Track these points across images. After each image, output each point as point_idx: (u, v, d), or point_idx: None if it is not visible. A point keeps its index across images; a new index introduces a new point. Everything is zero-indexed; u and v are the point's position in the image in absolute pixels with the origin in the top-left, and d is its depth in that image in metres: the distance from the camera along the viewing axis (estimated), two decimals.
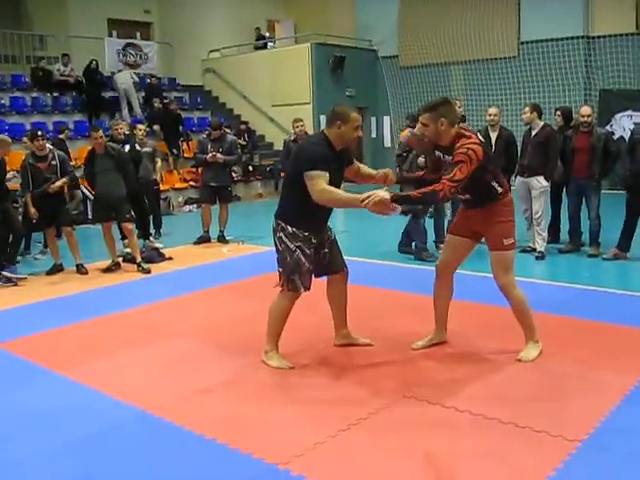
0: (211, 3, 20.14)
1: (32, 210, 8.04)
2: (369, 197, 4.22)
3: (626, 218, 7.84)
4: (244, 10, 20.38)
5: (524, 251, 8.36)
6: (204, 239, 10.05)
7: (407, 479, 3.24)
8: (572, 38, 15.93)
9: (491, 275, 4.71)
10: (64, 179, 8.12)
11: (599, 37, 15.77)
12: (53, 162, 8.09)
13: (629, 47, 15.25)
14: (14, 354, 5.26)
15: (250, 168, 16.68)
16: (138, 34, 19.28)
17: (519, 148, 8.50)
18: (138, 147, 9.67)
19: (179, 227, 12.08)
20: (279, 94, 18.02)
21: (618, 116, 15.15)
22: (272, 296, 4.74)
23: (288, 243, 4.56)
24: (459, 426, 3.74)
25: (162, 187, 12.23)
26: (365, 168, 4.99)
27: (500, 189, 4.52)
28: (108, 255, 8.37)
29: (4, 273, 7.70)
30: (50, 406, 4.22)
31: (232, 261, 8.84)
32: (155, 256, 8.81)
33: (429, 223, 8.72)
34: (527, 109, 8.28)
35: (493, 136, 8.43)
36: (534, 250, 8.29)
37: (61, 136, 11.98)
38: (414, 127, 13.21)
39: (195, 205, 14.28)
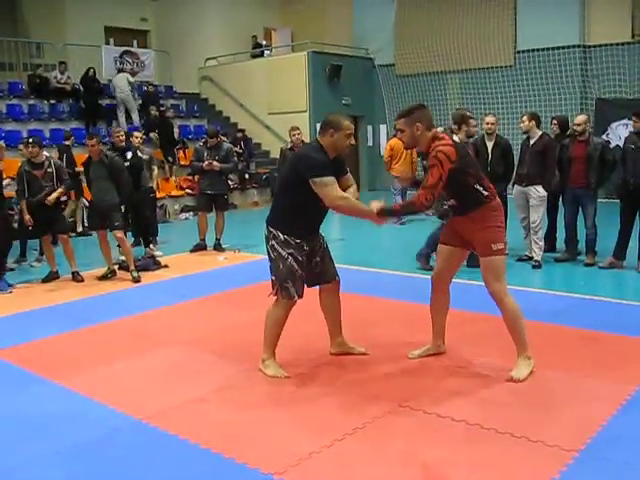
0: (208, 11, 20.18)
1: (27, 217, 8.02)
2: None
3: (620, 227, 7.86)
4: (241, 18, 20.41)
5: (520, 260, 8.37)
6: (200, 247, 10.04)
7: None
8: (568, 47, 15.96)
9: None
10: (60, 190, 8.09)
11: (595, 46, 15.81)
12: (49, 170, 8.08)
13: (625, 56, 15.29)
14: (9, 362, 5.24)
15: (246, 176, 16.69)
16: (135, 42, 19.32)
17: (516, 157, 8.49)
18: (140, 154, 9.68)
19: (175, 235, 12.07)
20: (276, 102, 18.03)
21: (614, 125, 15.19)
22: (268, 304, 4.73)
23: (280, 251, 4.55)
24: (455, 436, 3.73)
25: (158, 195, 12.20)
26: (353, 191, 4.75)
27: (485, 192, 4.45)
28: (104, 262, 8.35)
29: None
30: (44, 414, 4.20)
31: (228, 269, 8.82)
32: (151, 264, 8.80)
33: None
34: (525, 117, 8.28)
35: (490, 145, 8.43)
36: (530, 259, 8.30)
37: (67, 142, 12.00)
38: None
39: (191, 213, 14.28)
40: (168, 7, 20.86)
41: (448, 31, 17.51)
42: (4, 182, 8.40)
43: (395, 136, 13.04)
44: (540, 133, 8.25)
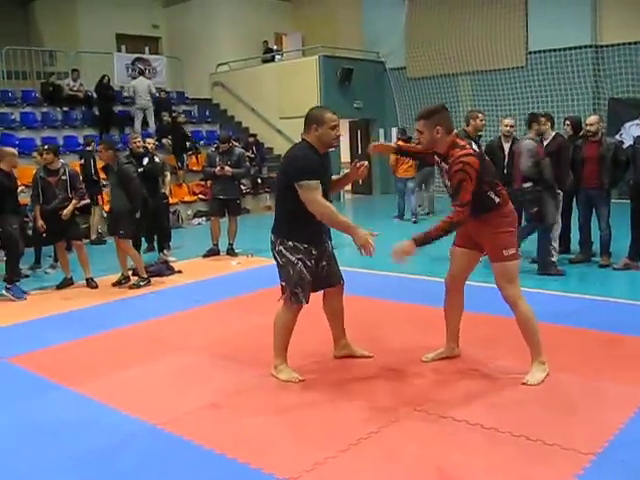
0: (219, 17, 20.27)
1: (40, 223, 8.07)
2: (370, 243, 4.36)
3: (632, 227, 7.80)
4: (252, 23, 20.48)
5: (535, 262, 8.31)
6: (213, 252, 10.05)
7: None
8: (580, 47, 15.89)
9: None
10: (74, 202, 8.13)
11: (607, 46, 15.73)
12: (63, 177, 8.13)
13: (638, 55, 15.21)
14: (24, 368, 5.26)
15: (259, 181, 16.71)
16: (147, 49, 19.41)
17: None
18: (157, 159, 9.71)
19: (188, 240, 12.09)
20: (287, 106, 18.05)
21: (627, 125, 15.05)
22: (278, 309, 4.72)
23: (289, 256, 4.52)
24: (471, 440, 3.71)
25: (171, 200, 12.25)
26: (336, 177, 4.92)
27: (497, 199, 4.40)
28: (119, 269, 8.38)
29: (7, 294, 7.69)
30: (59, 420, 4.21)
31: (241, 274, 8.83)
32: (164, 269, 8.82)
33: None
34: (543, 119, 8.22)
35: (506, 147, 8.41)
36: None
37: (89, 148, 12.07)
38: (405, 140, 13.72)
39: (204, 218, 14.33)
40: (179, 13, 21.00)
41: (459, 33, 17.49)
42: (18, 189, 8.44)
43: (400, 140, 13.41)
44: (553, 134, 8.21)
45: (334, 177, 4.89)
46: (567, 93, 16.08)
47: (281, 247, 4.55)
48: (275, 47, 21.20)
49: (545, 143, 8.18)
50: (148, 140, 10.41)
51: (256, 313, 6.46)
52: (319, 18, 20.81)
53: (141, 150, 9.50)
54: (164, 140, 15.25)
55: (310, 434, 3.87)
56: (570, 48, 15.99)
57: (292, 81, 18.31)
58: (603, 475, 3.29)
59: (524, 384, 4.40)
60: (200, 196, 15.39)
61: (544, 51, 16.42)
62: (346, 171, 4.88)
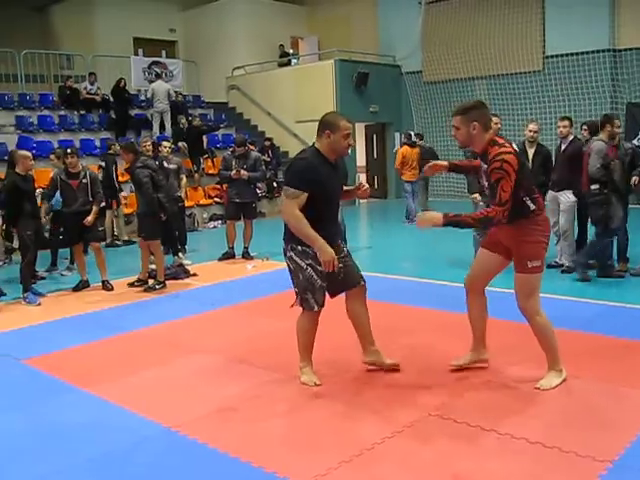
0: (235, 21, 20.34)
1: (45, 219, 8.17)
2: (334, 263, 4.32)
3: None
4: (268, 27, 20.54)
5: (550, 266, 8.27)
6: (229, 255, 10.07)
7: None
8: (598, 51, 15.81)
9: None
10: (95, 209, 8.17)
11: (625, 50, 15.64)
12: (84, 180, 8.16)
13: None
14: (40, 370, 5.29)
15: (274, 184, 16.72)
16: (163, 52, 19.51)
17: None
18: (166, 164, 9.74)
19: (204, 243, 12.14)
20: (303, 110, 18.07)
21: None
22: (296, 313, 4.72)
23: (299, 262, 4.50)
24: (486, 446, 3.68)
25: (187, 204, 12.29)
26: (345, 188, 4.88)
27: (533, 206, 4.25)
28: (132, 271, 8.41)
29: (26, 300, 7.73)
30: (74, 422, 4.23)
31: (257, 277, 8.84)
32: (180, 273, 8.84)
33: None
34: (567, 122, 8.16)
35: (530, 152, 8.39)
36: (560, 266, 8.21)
37: (111, 151, 12.13)
38: (412, 145, 14.07)
39: (220, 221, 14.37)
40: (196, 18, 21.11)
41: (475, 37, 17.45)
42: (36, 192, 8.49)
43: (406, 144, 14.09)
44: (571, 138, 8.17)
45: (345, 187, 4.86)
46: (584, 97, 15.99)
47: (291, 253, 4.53)
48: (291, 51, 21.26)
49: (563, 147, 8.15)
50: (164, 143, 10.44)
51: (271, 317, 6.46)
52: (335, 22, 20.84)
53: (150, 154, 9.52)
54: (180, 143, 15.30)
55: (324, 439, 3.86)
56: (588, 52, 15.90)
57: (308, 85, 18.35)
58: None
59: (537, 389, 4.36)
60: (216, 199, 15.44)
61: (561, 55, 16.34)
62: (361, 177, 4.86)
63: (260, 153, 12.22)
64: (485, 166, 4.30)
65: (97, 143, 15.35)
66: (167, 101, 16.19)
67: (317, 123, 4.55)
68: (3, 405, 4.62)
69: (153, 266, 8.66)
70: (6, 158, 10.51)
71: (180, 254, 9.71)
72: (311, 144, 4.63)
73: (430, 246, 10.10)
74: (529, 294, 4.33)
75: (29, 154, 7.99)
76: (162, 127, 16.30)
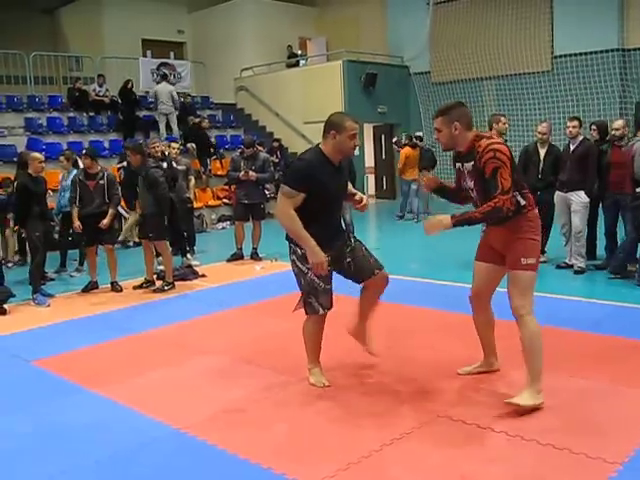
0: (243, 22, 20.37)
1: (77, 224, 8.20)
2: (323, 267, 4.27)
3: None
4: (276, 28, 20.57)
5: (560, 267, 8.25)
6: (237, 256, 10.08)
7: None
8: (607, 51, 15.76)
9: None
10: (112, 211, 8.16)
11: (635, 49, 15.58)
12: (101, 182, 8.17)
13: None
14: (48, 371, 5.31)
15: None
16: (172, 54, 19.54)
17: None
18: (175, 165, 9.76)
19: (212, 244, 12.15)
20: (311, 111, 18.08)
21: None
22: (303, 314, 4.70)
23: (300, 266, 4.47)
24: (496, 447, 3.67)
25: (195, 205, 12.31)
26: (349, 187, 4.81)
27: (523, 202, 4.11)
28: (140, 273, 8.42)
29: (35, 301, 7.75)
30: (83, 423, 4.24)
31: (265, 278, 8.83)
32: (189, 274, 8.85)
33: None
34: (576, 122, 8.13)
35: (542, 152, 8.36)
36: (570, 266, 8.18)
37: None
38: (412, 146, 14.36)
39: (228, 222, 14.38)
40: (204, 19, 21.15)
41: (484, 37, 17.42)
42: (46, 194, 8.49)
43: (408, 146, 14.65)
44: (580, 138, 8.14)
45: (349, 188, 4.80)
46: (593, 97, 15.94)
47: (293, 257, 4.51)
48: (299, 52, 21.26)
49: (572, 147, 8.12)
50: (172, 145, 10.45)
51: (280, 318, 6.45)
52: (343, 23, 20.85)
53: (159, 155, 9.54)
54: (189, 144, 15.32)
55: (332, 440, 3.85)
56: (596, 52, 15.86)
57: (316, 86, 18.36)
58: None
59: (509, 403, 4.05)
60: (224, 200, 15.46)
61: (570, 55, 16.29)
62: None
63: (268, 154, 12.23)
64: (469, 165, 4.18)
65: (106, 145, 15.40)
66: (171, 103, 16.18)
67: None
68: (12, 405, 4.63)
69: (161, 267, 8.69)
70: (15, 160, 10.59)
71: (189, 255, 9.73)
72: (316, 144, 4.59)
73: (438, 247, 10.06)
74: (523, 293, 4.12)
75: (41, 156, 8.01)
76: (168, 129, 16.32)
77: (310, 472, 3.45)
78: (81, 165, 9.84)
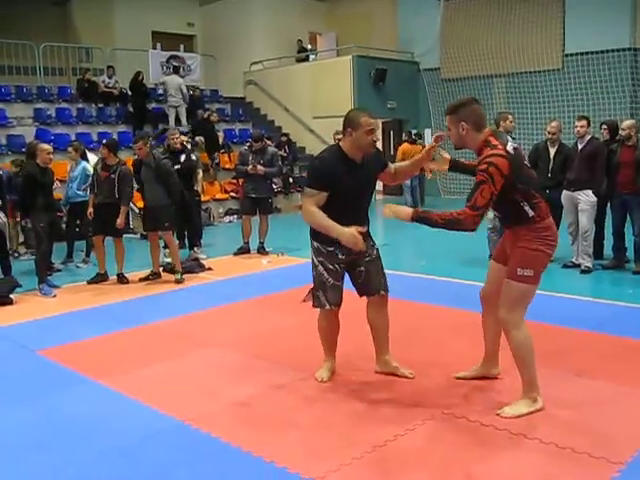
0: (253, 16, 20.34)
1: (90, 210, 8.30)
2: (357, 239, 4.04)
3: None
4: (286, 23, 20.54)
5: (566, 266, 8.24)
6: (244, 250, 10.09)
7: None
8: (618, 50, 15.66)
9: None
10: (124, 208, 8.11)
11: None
12: (112, 175, 8.15)
13: None
14: (54, 361, 5.33)
15: (290, 180, 16.72)
16: (182, 46, 19.54)
17: None
18: (194, 157, 9.78)
19: (219, 238, 12.16)
20: (320, 106, 18.06)
21: None
22: (310, 309, 4.70)
23: (313, 258, 4.52)
24: (498, 445, 3.66)
25: (203, 198, 12.32)
26: (403, 164, 4.84)
27: (532, 212, 3.89)
28: (145, 265, 8.44)
29: (41, 291, 7.78)
30: (88, 414, 4.26)
31: (271, 272, 8.84)
32: (195, 267, 8.86)
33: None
34: (584, 122, 8.10)
35: (552, 151, 8.33)
36: (577, 266, 8.16)
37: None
38: (412, 142, 14.49)
39: (236, 216, 14.39)
40: (214, 12, 21.13)
41: (494, 34, 17.34)
42: (53, 185, 8.52)
43: (407, 142, 15.09)
44: (588, 137, 8.12)
45: (404, 164, 4.86)
46: (604, 96, 15.85)
47: (310, 249, 4.55)
48: (309, 46, 21.24)
49: (580, 146, 8.09)
50: (182, 137, 10.47)
51: (285, 312, 6.47)
52: (353, 18, 20.80)
53: (178, 146, 9.55)
54: (197, 138, 15.32)
55: (336, 435, 3.86)
56: (608, 51, 15.75)
57: (325, 81, 18.32)
58: None
59: (498, 415, 3.98)
60: (232, 194, 15.45)
61: (581, 53, 16.20)
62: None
63: (277, 148, 12.23)
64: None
65: (115, 136, 15.37)
66: (180, 95, 16.18)
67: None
68: (17, 396, 4.65)
69: (168, 259, 8.70)
70: (23, 150, 10.61)
71: (195, 248, 9.75)
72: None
73: (446, 244, 10.05)
74: (513, 305, 3.95)
75: (49, 148, 7.99)
76: (177, 121, 16.33)
77: (313, 466, 3.46)
78: (92, 156, 9.89)
